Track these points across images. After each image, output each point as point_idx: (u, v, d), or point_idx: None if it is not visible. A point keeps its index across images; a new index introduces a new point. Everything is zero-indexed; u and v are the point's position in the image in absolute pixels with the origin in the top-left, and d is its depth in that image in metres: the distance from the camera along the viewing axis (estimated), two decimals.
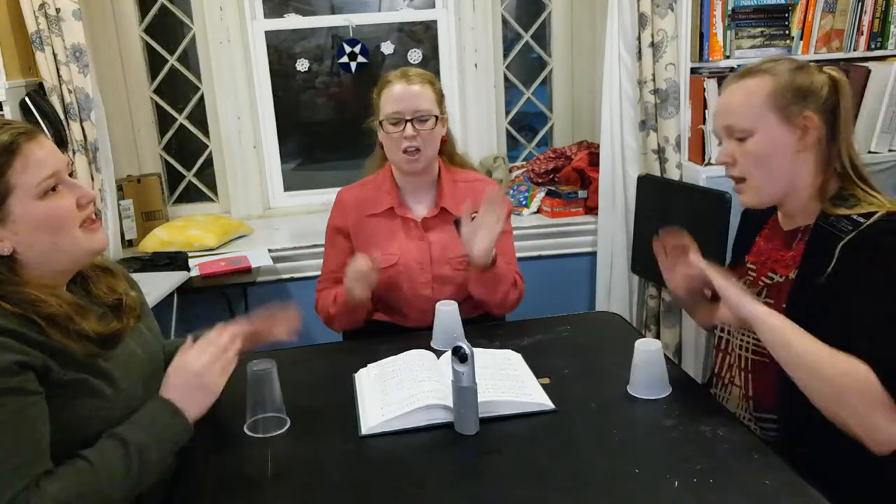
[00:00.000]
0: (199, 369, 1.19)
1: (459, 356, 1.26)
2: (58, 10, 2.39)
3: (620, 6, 2.55)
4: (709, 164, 2.57)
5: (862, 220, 1.24)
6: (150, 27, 2.98)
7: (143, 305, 1.33)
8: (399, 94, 1.78)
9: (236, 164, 3.06)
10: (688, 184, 2.58)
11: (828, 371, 1.17)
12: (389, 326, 1.90)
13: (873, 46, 2.59)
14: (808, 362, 1.19)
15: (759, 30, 2.56)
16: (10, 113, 2.34)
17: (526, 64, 3.29)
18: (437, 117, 1.81)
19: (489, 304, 1.84)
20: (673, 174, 2.63)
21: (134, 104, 3.01)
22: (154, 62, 3.02)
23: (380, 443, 1.29)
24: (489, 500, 1.13)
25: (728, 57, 2.56)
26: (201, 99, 3.04)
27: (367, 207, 1.89)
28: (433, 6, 3.10)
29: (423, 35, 3.18)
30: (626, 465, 1.18)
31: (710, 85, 2.52)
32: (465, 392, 1.27)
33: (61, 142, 2.45)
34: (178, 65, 3.02)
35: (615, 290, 2.85)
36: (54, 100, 2.45)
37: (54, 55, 2.42)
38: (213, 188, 3.17)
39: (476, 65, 3.09)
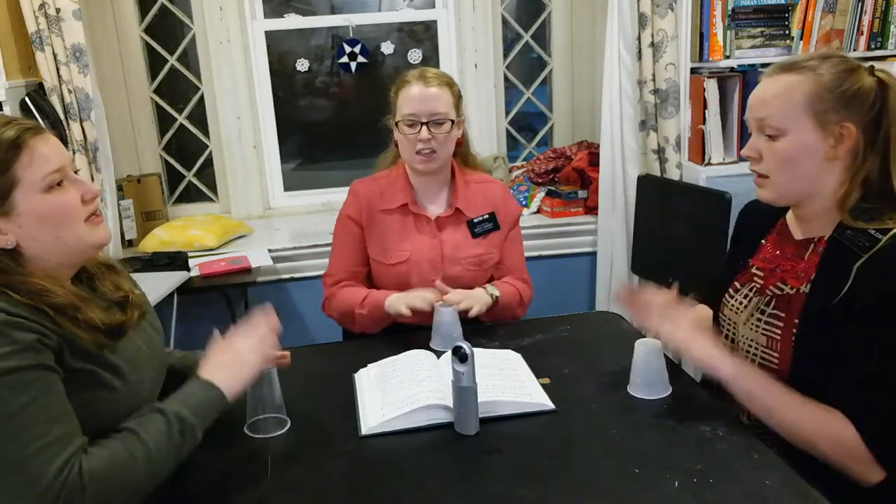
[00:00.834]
0: (242, 348, 1.25)
1: (459, 356, 1.26)
2: (58, 10, 2.39)
3: (620, 6, 2.55)
4: (709, 164, 2.57)
5: (880, 235, 1.19)
6: (150, 27, 2.98)
7: (146, 304, 1.33)
8: (416, 95, 1.78)
9: (236, 164, 3.06)
10: (688, 184, 2.58)
11: (805, 435, 1.19)
12: (392, 325, 1.89)
13: (873, 46, 2.59)
14: (787, 429, 1.21)
15: (759, 30, 2.56)
16: (9, 113, 2.34)
17: (526, 64, 3.29)
18: (452, 121, 1.81)
19: (496, 321, 1.85)
20: (673, 174, 2.63)
21: (134, 104, 3.01)
22: (154, 62, 3.03)
23: (380, 443, 1.29)
24: (489, 500, 1.13)
25: (728, 57, 2.56)
26: (201, 99, 3.04)
27: (381, 202, 1.88)
28: (433, 6, 3.10)
29: (423, 35, 3.18)
30: (626, 465, 1.18)
31: (710, 85, 2.52)
32: (465, 392, 1.27)
33: (61, 141, 2.45)
34: (178, 65, 3.03)
35: (615, 291, 2.85)
36: (54, 100, 2.45)
37: (54, 55, 2.42)
38: (213, 188, 3.17)
39: (476, 65, 3.09)
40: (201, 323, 2.58)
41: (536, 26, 3.18)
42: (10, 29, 2.41)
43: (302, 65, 3.12)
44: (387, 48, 3.12)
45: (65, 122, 2.47)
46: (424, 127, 1.77)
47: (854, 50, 2.58)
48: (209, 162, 3.13)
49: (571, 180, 3.01)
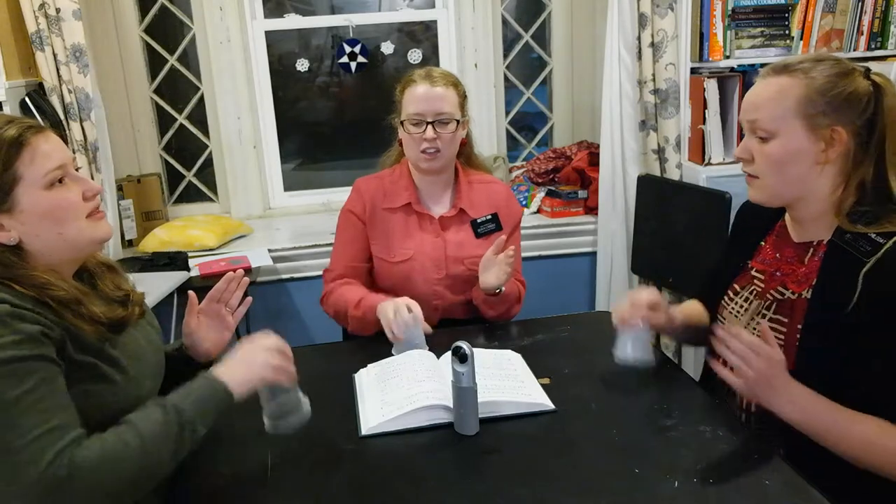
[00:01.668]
0: (254, 349, 1.24)
1: (459, 356, 1.26)
2: (58, 10, 2.39)
3: (620, 6, 2.55)
4: (709, 164, 2.57)
5: (881, 240, 1.18)
6: (150, 27, 2.98)
7: (145, 303, 1.34)
8: (422, 95, 1.78)
9: (236, 164, 3.06)
10: (688, 184, 2.58)
11: (878, 458, 1.16)
12: None
13: (873, 46, 2.59)
14: (858, 455, 1.17)
15: (759, 30, 2.56)
16: (9, 113, 2.34)
17: (526, 64, 3.29)
18: (458, 121, 1.81)
19: (489, 317, 1.85)
20: (673, 174, 2.63)
21: (134, 104, 3.01)
22: (154, 62, 3.03)
23: (380, 443, 1.29)
24: (489, 500, 1.13)
25: (728, 57, 2.56)
26: (201, 99, 3.04)
27: (384, 200, 1.88)
28: (433, 6, 3.10)
29: (423, 35, 3.18)
30: (626, 465, 1.18)
31: (710, 85, 2.52)
32: (465, 392, 1.27)
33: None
34: (178, 65, 3.03)
35: (615, 290, 2.85)
36: (54, 100, 2.45)
37: (54, 55, 2.42)
38: (213, 188, 3.17)
39: (476, 65, 3.09)
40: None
41: (536, 26, 3.18)
42: (10, 29, 2.41)
43: (302, 65, 3.12)
44: (387, 48, 3.12)
45: (65, 122, 2.47)
46: (430, 126, 1.77)
47: (854, 50, 2.58)
48: (209, 162, 3.13)
49: (571, 180, 3.01)
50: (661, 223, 2.56)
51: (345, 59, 3.05)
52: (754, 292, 1.38)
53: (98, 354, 1.12)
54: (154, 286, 2.32)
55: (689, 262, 2.43)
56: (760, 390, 1.20)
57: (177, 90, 3.08)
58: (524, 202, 3.00)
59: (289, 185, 3.20)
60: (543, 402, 1.37)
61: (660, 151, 2.65)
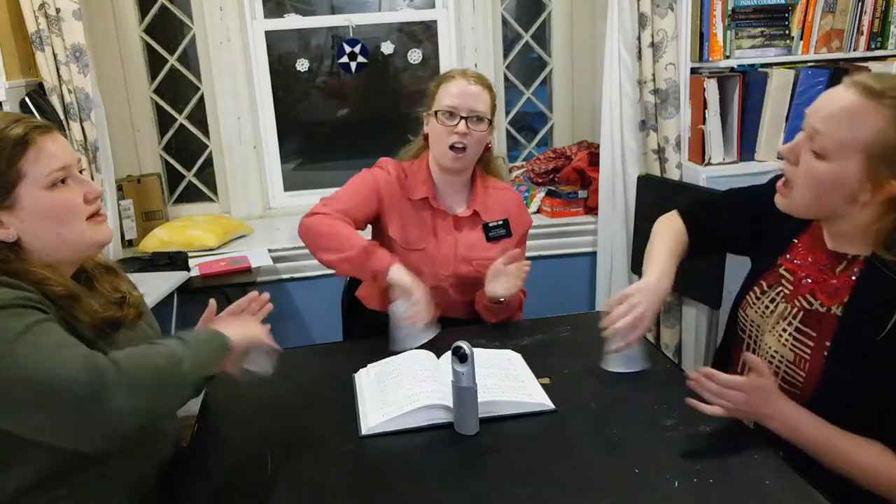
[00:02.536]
0: (248, 321, 1.33)
1: (459, 356, 1.26)
2: (58, 10, 2.39)
3: (620, 6, 2.55)
4: (709, 164, 2.57)
5: None
6: (150, 27, 2.98)
7: (143, 305, 1.34)
8: (459, 90, 1.80)
9: (236, 164, 3.06)
10: (688, 184, 2.58)
11: (876, 474, 1.16)
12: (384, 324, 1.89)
13: (873, 46, 2.59)
14: (855, 476, 1.17)
15: (759, 30, 2.56)
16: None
17: (526, 64, 3.29)
18: (490, 121, 1.83)
19: (490, 320, 1.85)
20: (673, 174, 2.63)
21: (134, 104, 3.01)
22: (154, 62, 3.02)
23: (380, 443, 1.29)
24: (489, 500, 1.13)
25: (728, 57, 2.55)
26: (201, 99, 3.04)
27: (405, 190, 1.89)
28: (433, 6, 3.10)
29: (423, 35, 3.18)
30: (626, 465, 1.18)
31: (710, 85, 2.52)
32: (464, 392, 1.27)
33: None
34: (178, 65, 3.02)
35: (615, 290, 2.84)
36: (54, 100, 2.45)
37: (54, 55, 2.42)
38: (213, 188, 3.17)
39: (476, 65, 3.09)
40: None
41: (536, 26, 3.18)
42: (10, 29, 2.40)
43: (302, 65, 3.12)
44: (387, 48, 3.12)
45: (65, 122, 2.47)
46: (463, 121, 1.78)
47: (854, 50, 2.57)
48: (209, 162, 3.13)
49: (571, 180, 3.01)
50: None
51: (345, 59, 3.05)
52: (781, 294, 1.35)
53: None
54: (154, 286, 2.32)
55: (689, 262, 2.42)
56: (749, 415, 1.22)
57: (177, 90, 3.08)
58: (524, 202, 3.00)
59: (289, 185, 3.20)
60: (543, 402, 1.37)
61: (660, 151, 2.65)
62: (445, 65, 3.11)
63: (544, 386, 1.44)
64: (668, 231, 1.59)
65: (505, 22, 3.15)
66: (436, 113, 1.82)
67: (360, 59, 3.06)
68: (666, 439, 1.26)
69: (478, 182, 1.93)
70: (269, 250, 2.71)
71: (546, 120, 3.32)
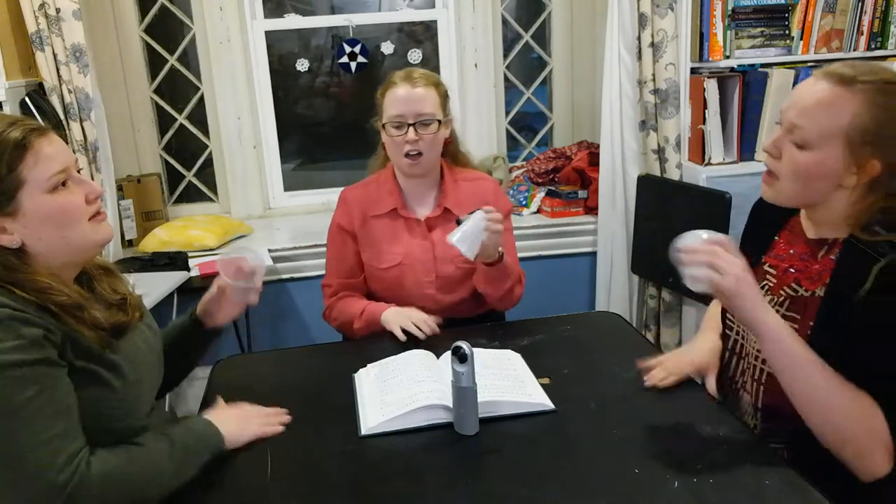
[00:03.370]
0: (251, 414, 1.35)
1: (459, 356, 1.26)
2: (58, 10, 2.39)
3: (620, 6, 2.55)
4: (709, 164, 2.57)
5: None
6: (150, 27, 2.98)
7: (142, 306, 1.34)
8: (402, 96, 1.77)
9: (236, 164, 3.06)
10: (688, 184, 2.58)
11: (838, 415, 1.14)
12: None
13: (873, 46, 2.59)
14: (820, 405, 1.15)
15: (759, 30, 2.56)
16: (9, 113, 2.34)
17: (526, 64, 3.29)
18: (439, 121, 1.81)
19: (494, 298, 1.84)
20: (673, 174, 2.63)
21: (134, 104, 3.01)
22: (154, 62, 3.03)
23: (380, 443, 1.29)
24: (489, 500, 1.13)
25: (728, 57, 2.56)
26: (201, 99, 3.04)
27: (371, 208, 1.89)
28: (433, 6, 3.10)
29: (423, 35, 3.18)
30: (626, 465, 1.18)
31: (710, 85, 2.52)
32: (464, 392, 1.27)
33: None
34: (178, 65, 3.03)
35: (615, 290, 2.85)
36: (54, 100, 2.45)
37: (54, 55, 2.42)
38: (213, 188, 3.17)
39: (476, 65, 3.09)
40: None
41: (536, 26, 3.18)
42: (10, 29, 2.41)
43: (302, 65, 3.12)
44: (387, 48, 3.12)
45: (65, 122, 2.47)
46: (411, 128, 1.76)
47: (854, 50, 2.57)
48: (209, 162, 3.13)
49: (571, 180, 3.01)
50: (661, 223, 2.56)
51: (345, 59, 3.05)
52: (766, 287, 1.37)
53: (98, 360, 1.12)
54: (154, 286, 2.32)
55: None
56: (734, 291, 1.16)
57: (177, 90, 3.08)
58: (524, 202, 3.00)
59: (289, 185, 3.20)
60: (543, 402, 1.37)
61: (660, 151, 2.65)
62: (445, 64, 3.11)
63: (544, 386, 1.44)
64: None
65: (505, 22, 3.15)
66: (384, 125, 1.81)
67: (360, 59, 3.06)
68: (666, 439, 1.26)
69: (447, 178, 1.90)
70: (269, 250, 2.71)
71: (546, 120, 3.32)
